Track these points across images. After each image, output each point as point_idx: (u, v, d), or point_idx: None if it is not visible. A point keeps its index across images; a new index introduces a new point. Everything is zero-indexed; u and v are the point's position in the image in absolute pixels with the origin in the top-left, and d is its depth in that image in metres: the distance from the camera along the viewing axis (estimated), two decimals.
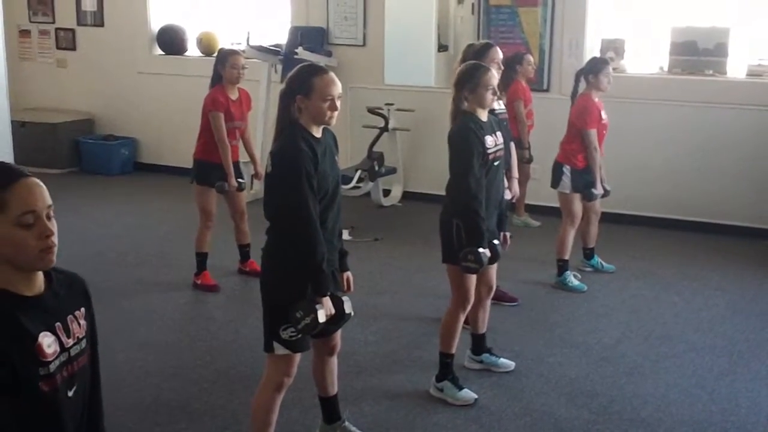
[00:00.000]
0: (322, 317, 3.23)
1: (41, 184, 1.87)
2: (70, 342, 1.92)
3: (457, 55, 5.26)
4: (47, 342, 1.85)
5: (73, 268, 2.10)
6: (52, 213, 1.88)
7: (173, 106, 9.20)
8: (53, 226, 1.87)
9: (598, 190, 5.91)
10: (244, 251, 6.14)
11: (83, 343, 1.97)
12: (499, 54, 4.90)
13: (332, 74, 3.31)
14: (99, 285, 5.83)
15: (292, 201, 3.21)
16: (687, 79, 7.42)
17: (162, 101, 9.42)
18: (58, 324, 1.90)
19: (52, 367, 1.85)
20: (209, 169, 5.73)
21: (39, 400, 1.84)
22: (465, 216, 4.04)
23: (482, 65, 4.24)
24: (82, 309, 2.00)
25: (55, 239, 1.86)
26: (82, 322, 1.98)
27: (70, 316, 1.95)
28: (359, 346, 4.86)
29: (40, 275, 1.91)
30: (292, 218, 3.24)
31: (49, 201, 1.87)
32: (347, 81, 8.10)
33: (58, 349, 1.88)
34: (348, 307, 3.40)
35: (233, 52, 5.86)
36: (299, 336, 3.29)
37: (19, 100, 9.05)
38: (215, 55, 5.94)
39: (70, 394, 1.92)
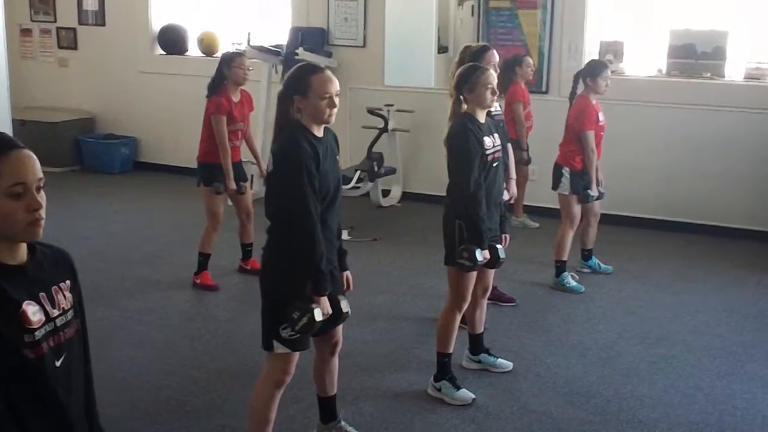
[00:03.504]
0: (319, 317, 3.24)
1: (33, 156, 1.88)
2: (56, 312, 1.93)
3: (456, 57, 5.28)
4: (32, 310, 1.86)
5: None
6: (42, 185, 1.89)
7: (174, 105, 9.22)
8: (42, 199, 1.88)
9: (594, 192, 5.93)
10: (246, 250, 6.18)
11: (69, 315, 1.98)
12: (496, 57, 4.93)
13: (329, 72, 3.31)
14: (98, 283, 5.90)
15: (293, 200, 3.21)
16: (685, 81, 7.43)
17: (163, 101, 9.44)
18: (42, 294, 1.91)
19: (38, 334, 1.86)
20: (214, 171, 5.75)
21: (26, 369, 1.85)
22: (465, 217, 4.07)
23: (480, 66, 4.27)
24: (68, 282, 2.01)
25: (42, 213, 1.88)
26: (68, 294, 1.99)
27: (54, 287, 1.96)
28: (357, 345, 4.88)
29: (24, 246, 1.93)
30: (293, 217, 3.24)
31: (40, 174, 1.89)
32: (347, 82, 8.15)
33: (44, 318, 1.89)
34: (345, 306, 3.43)
35: (238, 54, 5.96)
36: (298, 335, 3.30)
37: (20, 99, 9.04)
38: (219, 58, 5.94)
39: (57, 363, 1.93)
